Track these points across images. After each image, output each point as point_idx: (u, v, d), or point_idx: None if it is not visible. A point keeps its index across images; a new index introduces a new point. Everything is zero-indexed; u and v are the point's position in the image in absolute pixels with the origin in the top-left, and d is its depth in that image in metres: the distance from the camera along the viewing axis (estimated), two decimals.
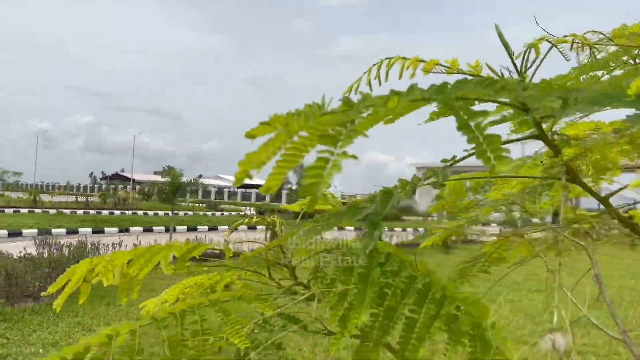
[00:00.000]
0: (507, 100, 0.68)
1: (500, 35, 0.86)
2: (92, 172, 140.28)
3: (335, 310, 0.90)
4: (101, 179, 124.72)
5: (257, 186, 78.85)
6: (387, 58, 0.99)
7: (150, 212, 36.03)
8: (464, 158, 0.88)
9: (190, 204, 47.47)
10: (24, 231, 20.27)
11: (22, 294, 8.71)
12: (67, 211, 32.69)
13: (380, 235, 0.81)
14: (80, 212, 33.13)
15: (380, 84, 1.00)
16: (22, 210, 32.38)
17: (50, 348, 6.71)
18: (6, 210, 31.49)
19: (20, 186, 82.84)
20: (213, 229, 27.03)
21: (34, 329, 7.48)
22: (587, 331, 9.00)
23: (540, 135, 0.82)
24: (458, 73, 0.96)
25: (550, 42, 0.96)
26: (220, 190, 77.65)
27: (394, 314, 0.89)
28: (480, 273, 2.36)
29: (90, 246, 11.44)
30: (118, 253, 1.05)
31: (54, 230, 21.04)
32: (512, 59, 0.87)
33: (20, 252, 10.02)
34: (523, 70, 0.87)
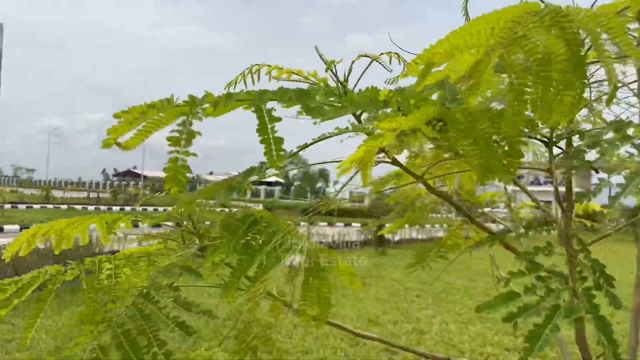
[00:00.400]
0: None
1: (320, 55, 1.15)
2: (104, 169, 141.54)
3: (211, 257, 1.20)
4: (113, 175, 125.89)
5: (266, 183, 79.24)
6: (255, 64, 1.28)
7: (161, 209, 36.55)
8: (309, 145, 1.17)
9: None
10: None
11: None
12: (79, 207, 33.33)
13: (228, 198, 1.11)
14: (91, 207, 33.75)
15: (253, 83, 1.29)
16: (34, 206, 33.05)
17: (53, 334, 7.09)
18: (19, 206, 32.19)
19: (34, 183, 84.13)
20: None
21: None
22: None
23: (355, 128, 1.10)
24: (303, 81, 1.23)
25: (369, 56, 1.23)
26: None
27: (254, 258, 1.19)
28: (437, 258, 2.63)
29: (95, 239, 11.82)
30: (59, 220, 1.36)
31: None
32: (332, 71, 1.15)
33: None
34: (344, 80, 1.15)
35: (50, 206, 33.51)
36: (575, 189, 1.33)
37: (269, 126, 0.89)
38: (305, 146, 1.08)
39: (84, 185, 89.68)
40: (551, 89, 0.78)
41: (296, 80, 1.19)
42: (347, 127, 0.97)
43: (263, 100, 0.97)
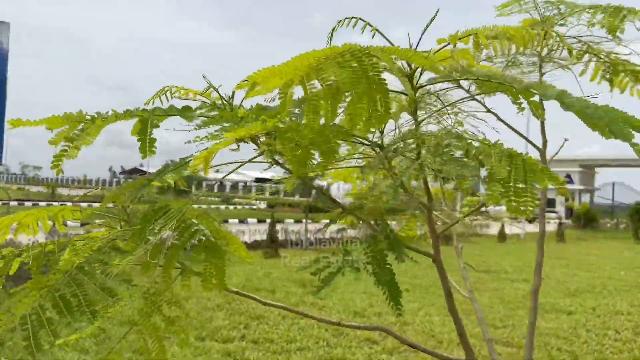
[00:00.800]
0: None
1: (206, 80, 1.48)
2: (111, 167, 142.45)
3: (134, 238, 1.54)
4: (120, 173, 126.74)
5: (271, 181, 79.78)
6: (168, 85, 1.60)
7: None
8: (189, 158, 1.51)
9: (202, 198, 48.58)
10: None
11: (28, 277, 9.54)
12: (84, 204, 33.82)
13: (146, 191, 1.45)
14: (96, 205, 34.24)
15: (168, 100, 1.61)
16: (40, 203, 33.64)
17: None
18: (26, 203, 32.80)
19: (41, 180, 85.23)
20: (224, 221, 27.88)
21: None
22: (557, 316, 9.51)
23: (212, 137, 1.43)
24: (197, 99, 1.56)
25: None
26: (235, 185, 78.90)
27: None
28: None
29: None
30: (20, 213, 1.71)
31: (68, 222, 21.95)
32: (217, 92, 1.49)
33: (29, 240, 10.87)
34: (230, 99, 1.48)
35: (55, 203, 34.12)
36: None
37: (148, 130, 1.25)
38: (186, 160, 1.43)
39: (90, 182, 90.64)
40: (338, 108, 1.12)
41: (197, 99, 1.53)
42: (206, 136, 1.31)
43: (153, 114, 1.32)
